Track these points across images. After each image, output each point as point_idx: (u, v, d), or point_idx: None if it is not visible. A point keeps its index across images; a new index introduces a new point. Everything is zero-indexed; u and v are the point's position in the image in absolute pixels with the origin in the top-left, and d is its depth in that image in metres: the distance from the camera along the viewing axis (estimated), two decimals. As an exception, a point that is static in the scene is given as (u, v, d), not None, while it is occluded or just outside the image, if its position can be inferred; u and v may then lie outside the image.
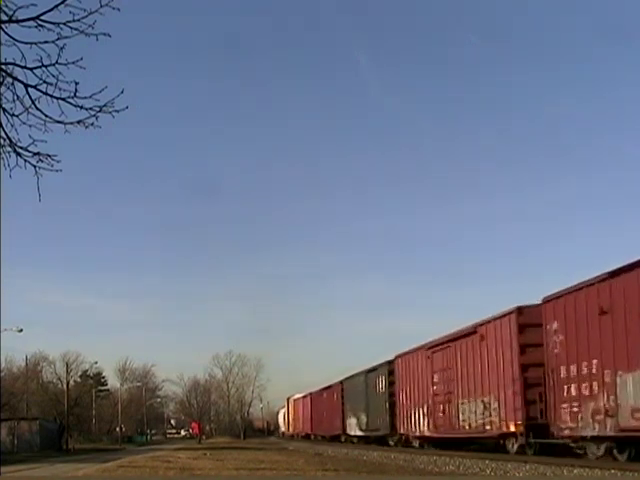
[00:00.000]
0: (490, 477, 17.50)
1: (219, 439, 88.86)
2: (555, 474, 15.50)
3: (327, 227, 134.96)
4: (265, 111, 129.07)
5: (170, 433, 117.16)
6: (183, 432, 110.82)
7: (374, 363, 40.12)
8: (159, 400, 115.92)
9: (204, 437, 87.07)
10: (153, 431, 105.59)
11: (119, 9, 6.29)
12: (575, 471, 15.36)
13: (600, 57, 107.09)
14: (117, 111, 6.79)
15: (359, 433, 41.46)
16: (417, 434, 30.39)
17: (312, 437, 59.97)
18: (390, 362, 34.37)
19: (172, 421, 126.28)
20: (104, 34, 6.49)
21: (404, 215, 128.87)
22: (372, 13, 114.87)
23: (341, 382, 46.52)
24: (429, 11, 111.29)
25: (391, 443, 34.68)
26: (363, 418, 39.56)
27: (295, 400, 71.06)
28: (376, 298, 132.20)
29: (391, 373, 34.20)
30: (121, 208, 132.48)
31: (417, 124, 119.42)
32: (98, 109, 6.72)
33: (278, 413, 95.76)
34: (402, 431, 32.39)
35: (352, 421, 42.81)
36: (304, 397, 64.58)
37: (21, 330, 48.94)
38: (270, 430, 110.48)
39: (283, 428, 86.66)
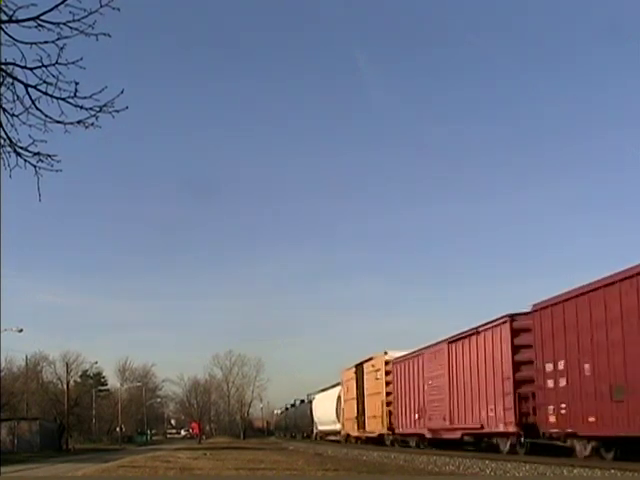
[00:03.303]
0: (490, 477, 17.48)
1: (219, 439, 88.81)
2: (555, 474, 15.47)
3: (327, 227, 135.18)
4: (264, 111, 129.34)
5: (170, 433, 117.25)
6: (183, 432, 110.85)
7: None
8: (159, 400, 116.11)
9: (204, 437, 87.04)
10: (153, 431, 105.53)
11: (119, 9, 6.31)
12: (575, 471, 15.32)
13: (599, 57, 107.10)
14: (117, 111, 6.81)
15: None
16: None
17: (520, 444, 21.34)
18: None
19: (172, 421, 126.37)
20: (104, 34, 6.51)
21: (404, 215, 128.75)
22: (372, 12, 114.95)
23: None
24: (429, 11, 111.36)
25: None
26: None
27: (397, 362, 32.11)
28: (375, 298, 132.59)
29: None
30: (121, 208, 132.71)
31: (417, 124, 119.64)
32: (98, 109, 6.73)
33: (311, 400, 61.21)
34: None
35: None
36: (456, 341, 25.11)
37: (21, 330, 49.15)
38: (270, 430, 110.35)
39: (328, 426, 50.41)
